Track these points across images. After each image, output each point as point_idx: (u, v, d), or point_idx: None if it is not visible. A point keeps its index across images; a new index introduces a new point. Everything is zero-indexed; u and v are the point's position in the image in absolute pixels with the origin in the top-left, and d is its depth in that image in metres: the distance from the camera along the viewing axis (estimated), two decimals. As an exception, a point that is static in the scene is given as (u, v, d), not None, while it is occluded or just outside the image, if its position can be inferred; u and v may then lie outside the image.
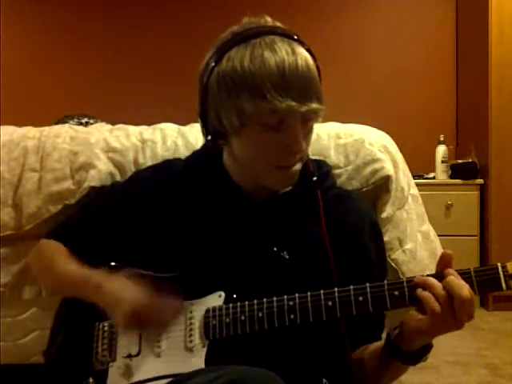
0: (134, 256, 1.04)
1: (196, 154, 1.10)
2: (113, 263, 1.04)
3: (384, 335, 0.92)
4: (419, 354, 0.85)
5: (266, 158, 0.92)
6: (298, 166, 0.95)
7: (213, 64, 0.91)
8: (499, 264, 0.79)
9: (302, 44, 0.91)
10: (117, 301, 0.89)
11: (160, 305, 0.88)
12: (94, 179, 1.26)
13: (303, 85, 0.87)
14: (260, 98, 0.85)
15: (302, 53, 0.89)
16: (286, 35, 0.90)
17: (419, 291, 0.80)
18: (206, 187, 1.02)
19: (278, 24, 0.93)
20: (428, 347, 0.86)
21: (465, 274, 0.80)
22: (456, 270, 0.80)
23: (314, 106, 0.88)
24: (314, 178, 1.02)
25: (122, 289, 0.90)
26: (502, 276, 0.78)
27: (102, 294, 0.92)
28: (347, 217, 1.01)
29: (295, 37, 0.90)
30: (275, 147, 0.90)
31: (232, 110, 0.89)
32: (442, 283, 0.79)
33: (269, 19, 0.93)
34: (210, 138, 0.96)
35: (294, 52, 0.87)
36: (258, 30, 0.89)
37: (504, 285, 0.78)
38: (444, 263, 0.82)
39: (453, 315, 0.77)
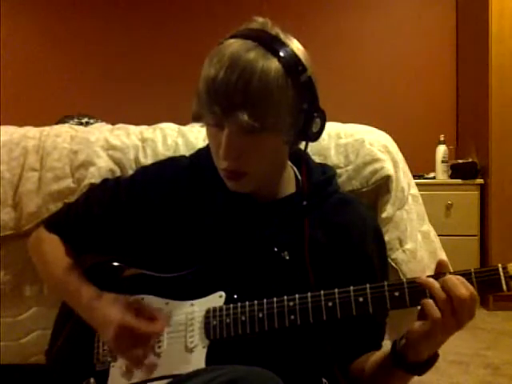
0: (135, 253, 1.04)
1: (201, 152, 1.09)
2: (115, 263, 1.04)
3: (385, 343, 0.91)
4: (426, 365, 0.85)
5: (214, 156, 0.94)
6: (243, 181, 0.92)
7: None
8: (500, 265, 0.79)
9: (278, 55, 0.84)
10: (103, 324, 0.90)
11: (143, 326, 0.88)
12: (94, 176, 1.26)
13: (234, 95, 0.82)
14: (198, 98, 0.88)
15: (265, 64, 0.83)
16: (263, 42, 0.85)
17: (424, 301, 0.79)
18: (210, 186, 1.02)
19: (276, 29, 0.89)
20: (434, 358, 0.86)
21: (465, 275, 0.79)
22: (456, 271, 0.80)
23: (242, 118, 0.82)
24: (318, 180, 1.02)
25: (108, 313, 0.90)
26: (502, 277, 0.78)
27: (92, 318, 0.94)
28: (351, 223, 1.01)
29: (275, 46, 0.85)
30: (215, 147, 0.91)
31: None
32: (439, 282, 0.78)
33: (269, 22, 0.90)
34: None
35: (256, 60, 0.82)
36: (236, 33, 0.89)
37: (505, 286, 0.78)
38: (441, 269, 0.82)
39: (453, 314, 0.77)
